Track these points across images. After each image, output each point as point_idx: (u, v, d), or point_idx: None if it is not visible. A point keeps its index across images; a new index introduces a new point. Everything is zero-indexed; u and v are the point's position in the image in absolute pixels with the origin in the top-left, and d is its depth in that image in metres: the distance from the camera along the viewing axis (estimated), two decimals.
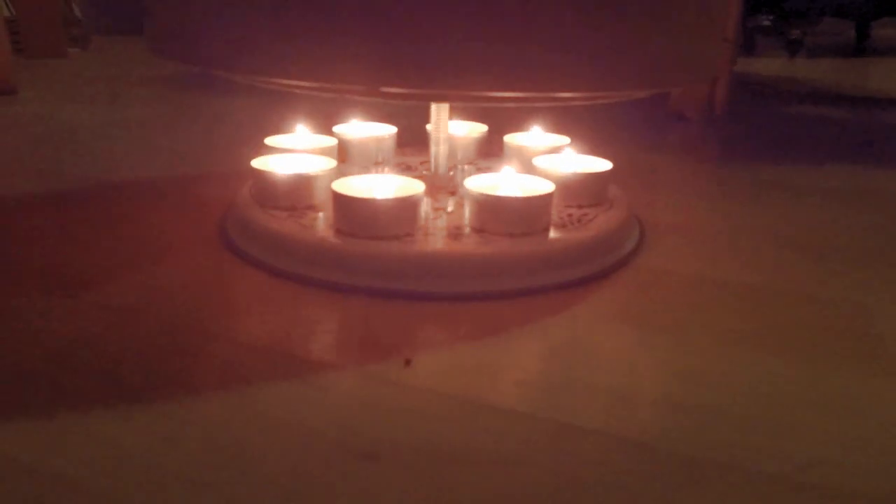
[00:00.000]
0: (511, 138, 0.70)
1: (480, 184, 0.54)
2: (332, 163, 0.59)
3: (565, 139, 0.70)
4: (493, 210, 0.51)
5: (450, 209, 0.57)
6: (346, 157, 0.68)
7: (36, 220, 0.63)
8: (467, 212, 0.53)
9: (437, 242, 0.50)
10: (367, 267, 0.49)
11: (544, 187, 0.54)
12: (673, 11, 0.48)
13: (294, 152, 0.62)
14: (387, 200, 0.49)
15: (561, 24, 0.43)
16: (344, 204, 0.50)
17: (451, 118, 0.68)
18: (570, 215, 0.57)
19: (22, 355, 0.41)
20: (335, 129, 0.70)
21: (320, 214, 0.55)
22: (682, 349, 0.43)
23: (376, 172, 0.66)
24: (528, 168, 0.60)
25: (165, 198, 0.70)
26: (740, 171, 0.86)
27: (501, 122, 0.76)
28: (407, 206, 0.50)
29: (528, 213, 0.51)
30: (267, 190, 0.56)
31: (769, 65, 1.93)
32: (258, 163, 0.58)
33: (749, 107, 1.32)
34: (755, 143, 1.04)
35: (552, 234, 0.53)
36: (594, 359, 0.42)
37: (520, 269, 0.50)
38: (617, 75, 0.45)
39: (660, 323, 0.47)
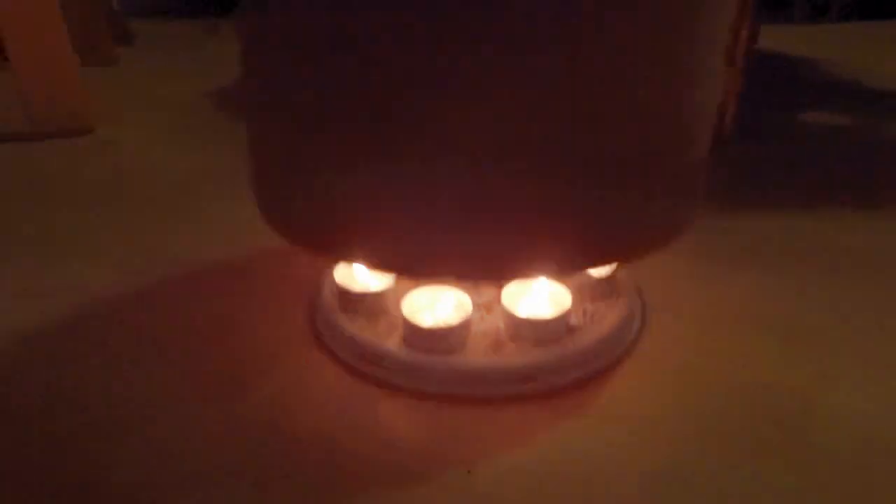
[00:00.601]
0: None
1: (511, 294, 0.70)
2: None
3: None
4: (524, 326, 0.67)
5: (483, 300, 0.73)
6: None
7: (135, 329, 0.78)
8: (502, 323, 0.69)
9: (482, 353, 0.66)
10: (431, 376, 0.66)
11: (564, 300, 0.69)
12: (670, 179, 0.61)
13: None
14: (446, 328, 0.65)
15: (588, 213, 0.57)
16: (412, 328, 0.66)
17: None
18: (584, 311, 0.72)
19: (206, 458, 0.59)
20: None
21: (392, 319, 0.71)
22: (650, 447, 0.59)
23: None
24: None
25: (255, 287, 0.84)
26: (739, 223, 0.99)
27: None
28: (461, 328, 0.66)
29: (553, 328, 0.67)
30: (346, 298, 0.72)
31: (795, 34, 1.95)
32: (340, 275, 0.74)
33: (759, 121, 1.38)
34: (761, 179, 1.14)
35: (573, 330, 0.69)
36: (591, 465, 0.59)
37: (548, 372, 0.66)
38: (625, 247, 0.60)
39: (643, 419, 0.63)
